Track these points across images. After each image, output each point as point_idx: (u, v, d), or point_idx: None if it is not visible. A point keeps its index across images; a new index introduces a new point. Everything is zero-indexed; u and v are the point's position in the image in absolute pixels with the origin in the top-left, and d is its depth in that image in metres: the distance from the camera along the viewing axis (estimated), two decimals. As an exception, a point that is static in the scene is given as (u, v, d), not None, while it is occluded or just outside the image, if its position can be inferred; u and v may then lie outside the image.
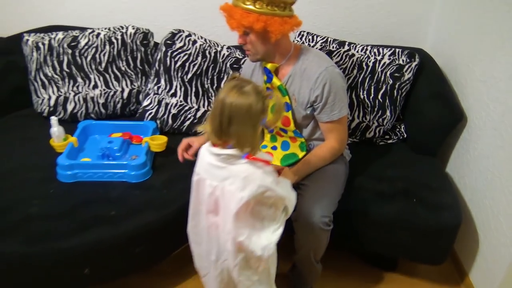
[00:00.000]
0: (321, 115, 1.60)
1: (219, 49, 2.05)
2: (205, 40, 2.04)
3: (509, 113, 1.56)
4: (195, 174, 1.33)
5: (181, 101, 1.98)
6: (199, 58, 2.00)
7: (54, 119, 1.79)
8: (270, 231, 1.28)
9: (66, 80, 2.05)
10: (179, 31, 2.01)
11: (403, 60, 1.98)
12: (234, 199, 1.20)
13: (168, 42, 1.98)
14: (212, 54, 2.02)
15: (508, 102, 1.57)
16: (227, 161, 1.22)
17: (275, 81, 1.60)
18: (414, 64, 1.96)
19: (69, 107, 2.05)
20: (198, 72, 2.00)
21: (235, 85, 1.19)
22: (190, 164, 1.79)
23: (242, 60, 2.05)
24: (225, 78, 2.03)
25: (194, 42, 2.00)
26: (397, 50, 2.02)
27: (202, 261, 1.45)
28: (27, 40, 2.06)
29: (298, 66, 1.60)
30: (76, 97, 2.05)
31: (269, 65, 1.60)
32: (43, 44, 2.05)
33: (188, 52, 1.98)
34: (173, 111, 1.97)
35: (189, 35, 2.01)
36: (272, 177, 1.26)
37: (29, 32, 2.13)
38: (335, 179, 1.65)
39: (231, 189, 1.21)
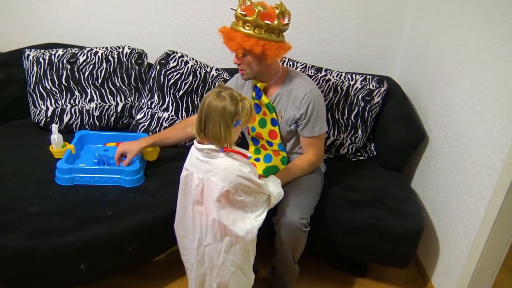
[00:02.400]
0: (304, 131, 1.80)
1: (208, 70, 2.24)
2: (196, 61, 2.23)
3: (463, 132, 1.80)
4: (183, 170, 1.52)
5: (172, 116, 2.15)
6: (190, 77, 2.18)
7: (54, 127, 1.92)
8: (254, 217, 1.48)
9: (64, 93, 2.19)
10: (173, 52, 2.20)
11: (373, 86, 2.22)
12: (216, 189, 1.41)
13: (163, 61, 2.16)
14: (202, 74, 2.21)
15: (462, 122, 1.81)
16: (208, 155, 1.42)
17: (264, 99, 1.78)
18: (383, 89, 2.21)
19: (65, 118, 2.18)
20: (189, 89, 2.18)
21: (215, 91, 1.41)
22: (180, 172, 1.96)
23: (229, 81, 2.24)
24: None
25: (186, 62, 2.19)
26: (368, 76, 2.26)
27: (186, 253, 1.63)
28: (28, 55, 2.21)
29: (286, 87, 1.79)
30: (73, 109, 2.19)
31: (259, 84, 1.78)
32: (44, 59, 2.20)
33: (181, 71, 2.16)
34: (165, 124, 2.13)
35: (182, 56, 2.20)
36: (250, 168, 1.45)
37: (30, 47, 2.27)
38: (312, 187, 1.83)
39: (214, 180, 1.41)
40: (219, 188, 1.40)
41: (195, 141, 1.48)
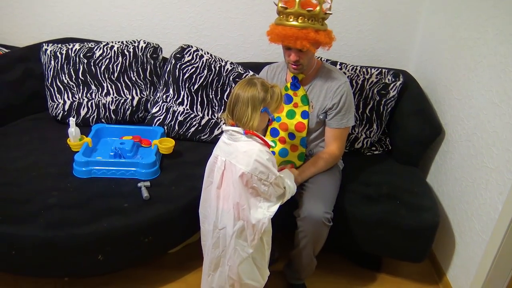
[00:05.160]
0: (332, 121, 1.80)
1: (223, 64, 2.24)
2: (210, 55, 2.24)
3: (480, 125, 1.77)
4: (212, 157, 1.57)
5: (187, 109, 2.16)
6: (205, 71, 2.19)
7: (72, 120, 1.95)
8: (266, 207, 1.51)
9: (81, 87, 2.23)
10: (188, 46, 2.21)
11: (388, 79, 2.20)
12: (235, 170, 1.45)
13: (178, 55, 2.17)
14: (217, 68, 2.22)
15: (479, 116, 1.78)
16: (232, 137, 1.48)
17: (301, 91, 1.79)
18: (398, 83, 2.18)
19: (82, 112, 2.21)
20: (204, 83, 2.19)
21: (247, 78, 1.51)
22: (195, 165, 1.98)
23: (244, 75, 2.24)
24: (228, 90, 2.23)
25: (201, 56, 2.20)
26: (383, 70, 2.24)
27: (204, 239, 1.65)
28: (46, 49, 2.24)
29: (320, 77, 1.80)
30: (89, 103, 2.21)
31: (299, 75, 1.77)
32: (61, 53, 2.23)
33: (196, 65, 2.17)
34: (180, 118, 2.15)
35: (197, 50, 2.21)
36: (269, 156, 1.47)
37: (48, 42, 2.31)
38: (332, 182, 1.83)
39: (234, 162, 1.46)
40: (237, 170, 1.45)
41: (223, 126, 1.54)
